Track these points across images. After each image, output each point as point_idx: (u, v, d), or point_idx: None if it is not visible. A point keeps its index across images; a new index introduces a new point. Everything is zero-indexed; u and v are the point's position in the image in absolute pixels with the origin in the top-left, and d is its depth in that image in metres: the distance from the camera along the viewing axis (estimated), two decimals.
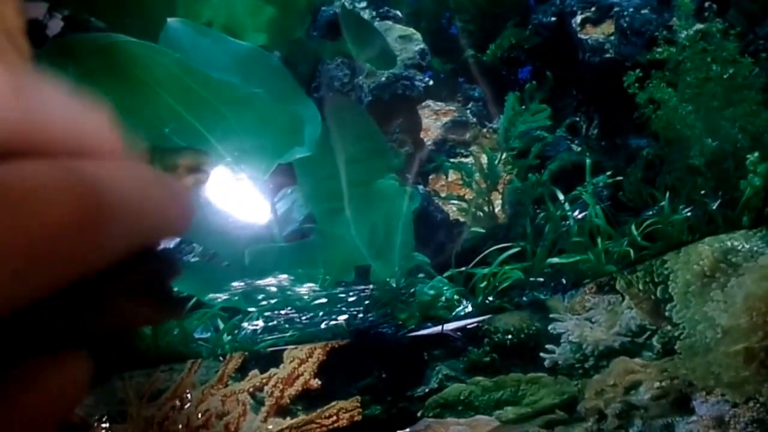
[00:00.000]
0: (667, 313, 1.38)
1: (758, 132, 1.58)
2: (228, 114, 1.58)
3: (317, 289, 1.52)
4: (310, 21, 2.04)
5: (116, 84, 1.48)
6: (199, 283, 1.52)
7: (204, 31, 1.66)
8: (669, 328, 1.38)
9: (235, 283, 1.49)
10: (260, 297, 1.50)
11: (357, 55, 1.95)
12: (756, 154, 1.53)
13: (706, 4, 1.74)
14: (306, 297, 1.54)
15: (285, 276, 1.51)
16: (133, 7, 1.73)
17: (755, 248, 1.38)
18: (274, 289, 1.49)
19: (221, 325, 1.53)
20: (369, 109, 1.91)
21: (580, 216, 1.56)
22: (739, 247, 1.39)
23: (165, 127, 1.55)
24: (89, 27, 1.65)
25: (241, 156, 1.59)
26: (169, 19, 1.58)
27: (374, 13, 2.12)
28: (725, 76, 1.63)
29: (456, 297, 1.51)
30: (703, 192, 1.55)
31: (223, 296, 1.49)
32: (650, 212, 1.55)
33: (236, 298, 1.49)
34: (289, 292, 1.49)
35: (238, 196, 1.61)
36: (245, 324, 1.51)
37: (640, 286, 1.44)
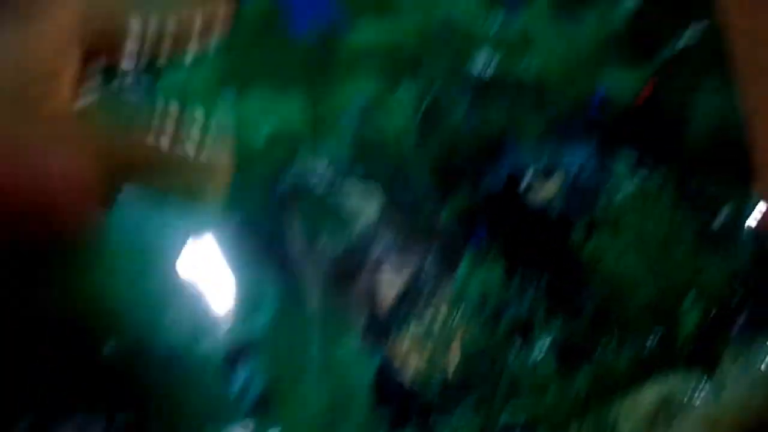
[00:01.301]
0: None
1: (693, 275, 1.74)
2: None
3: None
4: (269, 188, 2.18)
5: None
6: None
7: (161, 199, 1.78)
8: None
9: None
10: None
11: (314, 224, 2.09)
12: (692, 293, 1.69)
13: (643, 161, 1.92)
14: None
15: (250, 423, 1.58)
16: None
17: (693, 392, 1.51)
18: None
19: None
20: (327, 276, 2.02)
21: (533, 363, 1.69)
22: (678, 390, 1.52)
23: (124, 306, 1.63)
24: None
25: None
26: (125, 189, 1.71)
27: (332, 179, 2.27)
28: (662, 227, 1.80)
29: None
30: (645, 332, 1.70)
31: None
32: (599, 356, 1.69)
33: None
34: None
35: (196, 369, 1.69)
36: None
37: None
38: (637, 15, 2.31)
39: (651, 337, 1.73)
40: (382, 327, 1.98)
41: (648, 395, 1.57)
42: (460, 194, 2.23)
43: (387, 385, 1.83)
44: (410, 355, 1.88)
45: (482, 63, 2.37)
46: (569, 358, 1.76)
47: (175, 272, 1.65)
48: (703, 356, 1.64)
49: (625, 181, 1.90)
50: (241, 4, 2.38)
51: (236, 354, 1.79)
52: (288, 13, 2.40)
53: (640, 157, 1.99)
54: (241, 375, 1.86)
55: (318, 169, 2.24)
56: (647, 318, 1.76)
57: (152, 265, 1.63)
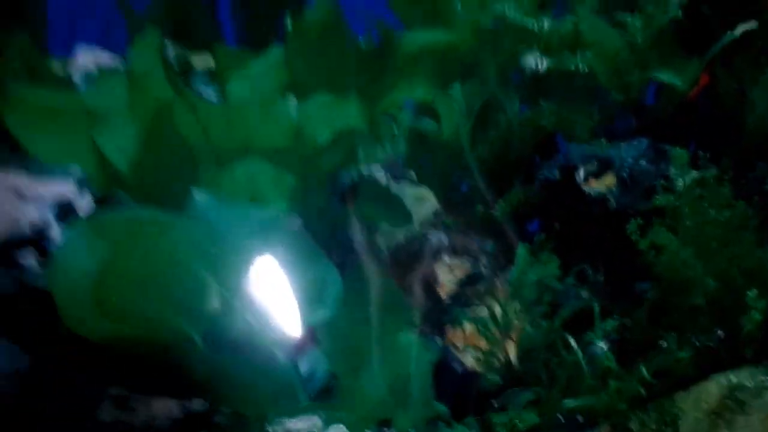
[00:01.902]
0: None
1: (755, 270, 1.70)
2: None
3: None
4: (330, 187, 2.22)
5: (145, 254, 1.63)
6: None
7: (228, 201, 1.83)
8: None
9: (269, 428, 1.58)
10: None
11: (374, 218, 2.12)
12: (754, 290, 1.64)
13: (700, 153, 1.90)
14: None
15: (315, 417, 1.61)
16: (160, 182, 1.93)
17: (760, 383, 1.47)
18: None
19: None
20: (387, 267, 2.05)
21: (591, 359, 1.67)
22: (745, 383, 1.48)
23: (194, 297, 1.69)
24: (119, 202, 1.81)
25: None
26: (194, 192, 1.76)
27: (390, 177, 2.30)
28: (722, 220, 1.77)
29: None
30: (706, 329, 1.66)
31: None
32: (657, 351, 1.66)
33: None
34: None
35: (262, 358, 1.73)
36: None
37: (653, 426, 1.52)
38: (688, 8, 2.29)
39: (713, 331, 1.70)
40: (441, 317, 1.99)
41: (712, 389, 1.53)
42: (514, 189, 2.23)
43: (446, 375, 1.83)
44: (468, 347, 1.89)
45: (534, 61, 2.37)
46: (628, 352, 1.72)
47: (245, 265, 1.68)
48: None
49: (682, 174, 1.87)
50: (303, 13, 2.42)
51: (301, 344, 1.82)
52: (347, 21, 2.44)
53: (696, 150, 1.95)
54: (305, 365, 1.88)
55: (376, 167, 2.27)
56: (709, 313, 1.73)
57: (224, 257, 1.67)
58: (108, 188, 1.83)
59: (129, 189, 1.85)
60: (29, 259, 1.63)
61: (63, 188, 1.73)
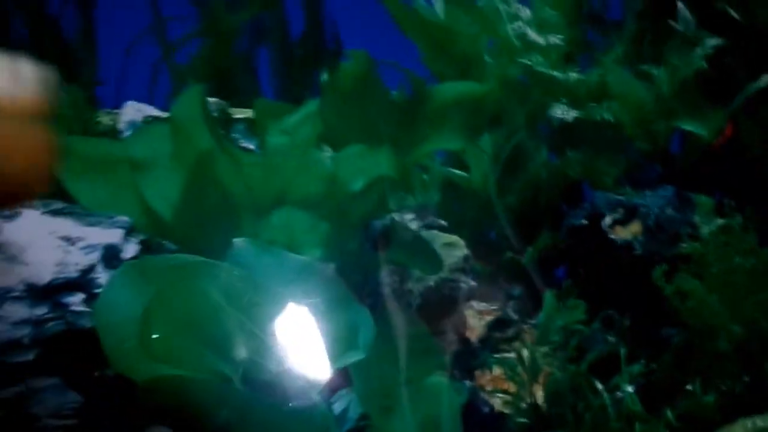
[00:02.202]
0: None
1: None
2: None
3: None
4: (363, 234, 2.25)
5: (187, 300, 1.68)
6: None
7: (266, 249, 1.86)
8: None
9: None
10: None
11: (406, 263, 2.15)
12: None
13: (725, 201, 1.92)
14: None
15: None
16: (201, 229, 1.98)
17: None
18: None
19: None
20: (418, 311, 2.08)
21: (617, 402, 1.68)
22: None
23: (233, 340, 1.73)
24: (162, 249, 1.86)
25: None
26: (234, 240, 1.81)
27: (421, 224, 2.34)
28: (747, 266, 1.78)
29: None
30: (732, 374, 1.67)
31: None
32: (683, 396, 1.67)
33: None
34: None
35: (297, 399, 1.76)
36: None
37: None
38: (713, 59, 2.32)
39: (739, 377, 1.71)
40: (470, 361, 2.02)
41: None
42: (542, 236, 2.26)
43: (475, 417, 1.85)
44: (496, 389, 1.91)
45: (561, 112, 2.41)
46: (654, 396, 1.73)
47: (281, 310, 1.72)
48: None
49: (708, 222, 1.89)
50: (339, 66, 2.49)
51: (334, 386, 1.85)
52: (380, 74, 2.49)
53: (721, 198, 1.97)
54: (338, 406, 1.91)
55: (408, 214, 2.31)
56: (734, 358, 1.73)
57: (262, 302, 1.71)
58: (153, 235, 1.88)
59: (172, 236, 1.91)
60: (77, 302, 1.68)
61: (110, 235, 1.79)
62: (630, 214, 2.12)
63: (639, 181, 2.33)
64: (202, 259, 1.66)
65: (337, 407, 1.91)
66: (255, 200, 2.05)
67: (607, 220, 2.12)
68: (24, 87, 0.30)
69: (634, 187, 2.25)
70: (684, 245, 1.88)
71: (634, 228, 2.09)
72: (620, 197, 2.18)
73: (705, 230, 1.89)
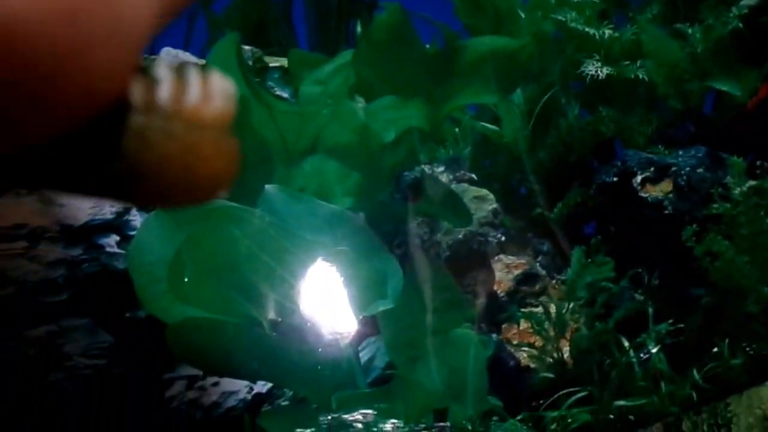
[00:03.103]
0: None
1: None
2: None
3: (400, 425, 1.58)
4: (393, 185, 2.19)
5: (218, 245, 1.63)
6: (289, 423, 1.61)
7: (297, 197, 1.81)
8: None
9: (322, 417, 1.57)
10: None
11: (435, 215, 2.09)
12: None
13: (757, 162, 1.82)
14: None
15: (370, 411, 1.58)
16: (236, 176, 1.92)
17: None
18: (360, 425, 1.56)
19: None
20: (447, 263, 2.02)
21: (644, 361, 1.61)
22: None
23: (263, 285, 1.69)
24: None
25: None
26: (266, 186, 1.75)
27: (451, 177, 2.26)
28: None
29: None
30: (760, 336, 1.59)
31: None
32: (710, 357, 1.59)
33: None
34: (374, 429, 1.56)
35: (326, 344, 1.72)
36: None
37: (705, 428, 1.45)
38: (748, 19, 2.20)
39: (766, 341, 1.62)
40: (497, 314, 1.95)
41: (766, 395, 1.47)
42: (572, 192, 2.17)
43: (500, 370, 1.79)
44: (523, 344, 1.84)
45: (594, 68, 2.31)
46: (681, 356, 1.66)
47: (312, 257, 1.67)
48: None
49: (739, 183, 1.80)
50: (373, 18, 2.40)
51: (361, 334, 1.80)
52: (414, 27, 2.41)
53: (754, 159, 1.88)
54: (365, 353, 1.87)
55: (439, 167, 2.24)
56: (763, 320, 1.65)
57: (293, 249, 1.66)
58: None
59: None
60: (111, 244, 1.64)
61: None
62: (661, 172, 2.02)
63: (671, 140, 2.23)
64: (234, 204, 1.60)
65: (364, 355, 1.86)
66: (287, 148, 1.98)
67: (638, 178, 2.02)
68: (216, 97, 0.26)
69: (666, 146, 2.15)
70: (715, 205, 1.79)
71: (665, 187, 2.00)
72: (652, 156, 2.08)
73: (736, 191, 1.79)
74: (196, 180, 0.28)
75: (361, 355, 1.84)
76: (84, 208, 1.64)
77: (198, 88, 0.26)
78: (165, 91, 0.25)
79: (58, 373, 1.51)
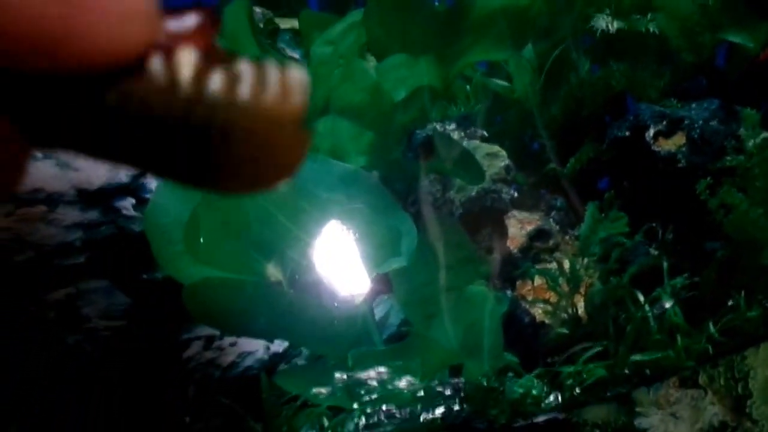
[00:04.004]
0: (747, 410, 1.34)
1: None
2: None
3: (415, 382, 1.54)
4: (406, 143, 2.13)
5: (233, 205, 1.59)
6: (306, 381, 1.57)
7: (311, 156, 1.76)
8: (749, 425, 1.33)
9: (338, 375, 1.53)
10: (362, 392, 1.54)
11: (448, 172, 2.02)
12: None
13: None
14: (405, 391, 1.56)
15: (384, 369, 1.54)
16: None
17: None
18: (374, 383, 1.52)
19: (326, 423, 1.57)
20: (460, 220, 1.96)
21: (659, 315, 1.55)
22: None
23: (279, 244, 1.64)
24: None
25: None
26: None
27: (463, 134, 2.19)
28: None
29: (544, 393, 1.50)
30: None
31: (326, 390, 1.53)
32: (726, 310, 1.53)
33: (339, 394, 1.53)
34: (389, 386, 1.52)
35: (341, 302, 1.67)
36: (348, 422, 1.54)
37: (722, 382, 1.40)
38: None
39: None
40: (511, 270, 1.89)
41: None
42: (584, 147, 2.09)
43: (515, 327, 1.74)
44: (537, 299, 1.79)
45: (605, 22, 2.21)
46: (697, 310, 1.60)
47: (327, 216, 1.62)
48: None
49: (753, 135, 1.72)
50: None
51: (376, 291, 1.75)
52: None
53: (766, 110, 1.80)
54: (380, 311, 1.82)
55: (450, 124, 2.17)
56: None
57: (308, 207, 1.61)
58: None
59: None
60: (127, 206, 1.59)
61: None
62: (674, 126, 1.94)
63: (684, 93, 2.14)
64: None
65: (378, 312, 1.81)
66: None
67: (651, 131, 1.95)
68: (296, 92, 0.21)
69: (679, 100, 2.07)
70: (728, 158, 1.72)
71: (678, 140, 1.92)
72: (664, 109, 2.00)
73: (750, 143, 1.71)
74: (269, 172, 0.28)
75: (375, 312, 1.80)
76: (100, 172, 1.59)
77: (278, 84, 0.26)
78: (246, 87, 0.25)
79: (76, 335, 1.47)
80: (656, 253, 1.75)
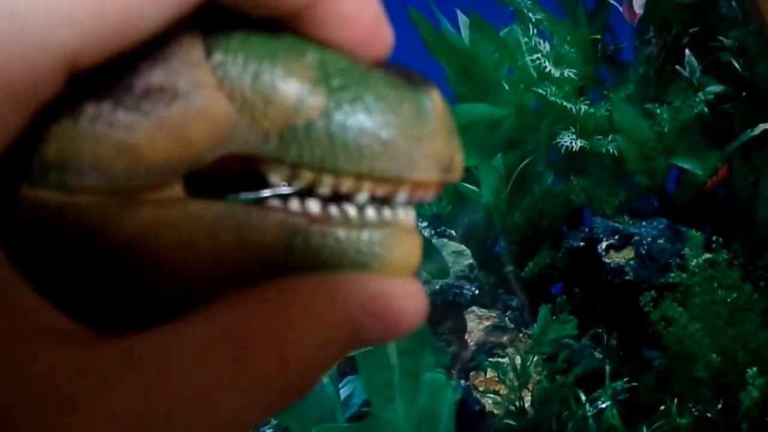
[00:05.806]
0: None
1: (757, 349, 1.67)
2: None
3: None
4: None
5: None
6: None
7: None
8: None
9: None
10: None
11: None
12: (755, 369, 1.62)
13: (714, 237, 1.89)
14: None
15: None
16: None
17: None
18: None
19: None
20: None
21: (597, 414, 1.66)
22: None
23: None
24: None
25: None
26: None
27: (433, 232, 2.32)
28: (729, 300, 1.74)
29: None
30: (707, 400, 1.64)
31: None
32: (659, 416, 1.64)
33: None
34: None
35: None
36: None
37: None
38: (713, 104, 2.29)
39: (713, 403, 1.68)
40: (467, 361, 2.00)
41: None
42: (542, 254, 2.24)
43: (467, 414, 1.83)
44: (489, 391, 1.89)
45: (569, 140, 2.39)
46: (633, 413, 1.70)
47: None
48: (764, 429, 1.57)
49: (696, 255, 1.86)
50: None
51: (342, 371, 1.84)
52: None
53: (711, 234, 1.95)
54: (345, 392, 1.90)
55: (423, 222, 2.30)
56: (710, 385, 1.70)
57: None
58: None
59: None
60: None
61: None
62: (625, 240, 2.09)
63: (636, 211, 2.31)
64: None
65: (345, 391, 1.90)
66: None
67: (603, 244, 2.09)
68: None
69: (631, 217, 2.22)
70: (672, 275, 1.85)
71: (628, 254, 2.07)
72: (617, 224, 2.15)
73: (693, 263, 1.85)
74: None
75: (341, 391, 1.88)
76: None
77: None
78: None
79: None
80: (600, 356, 1.87)
